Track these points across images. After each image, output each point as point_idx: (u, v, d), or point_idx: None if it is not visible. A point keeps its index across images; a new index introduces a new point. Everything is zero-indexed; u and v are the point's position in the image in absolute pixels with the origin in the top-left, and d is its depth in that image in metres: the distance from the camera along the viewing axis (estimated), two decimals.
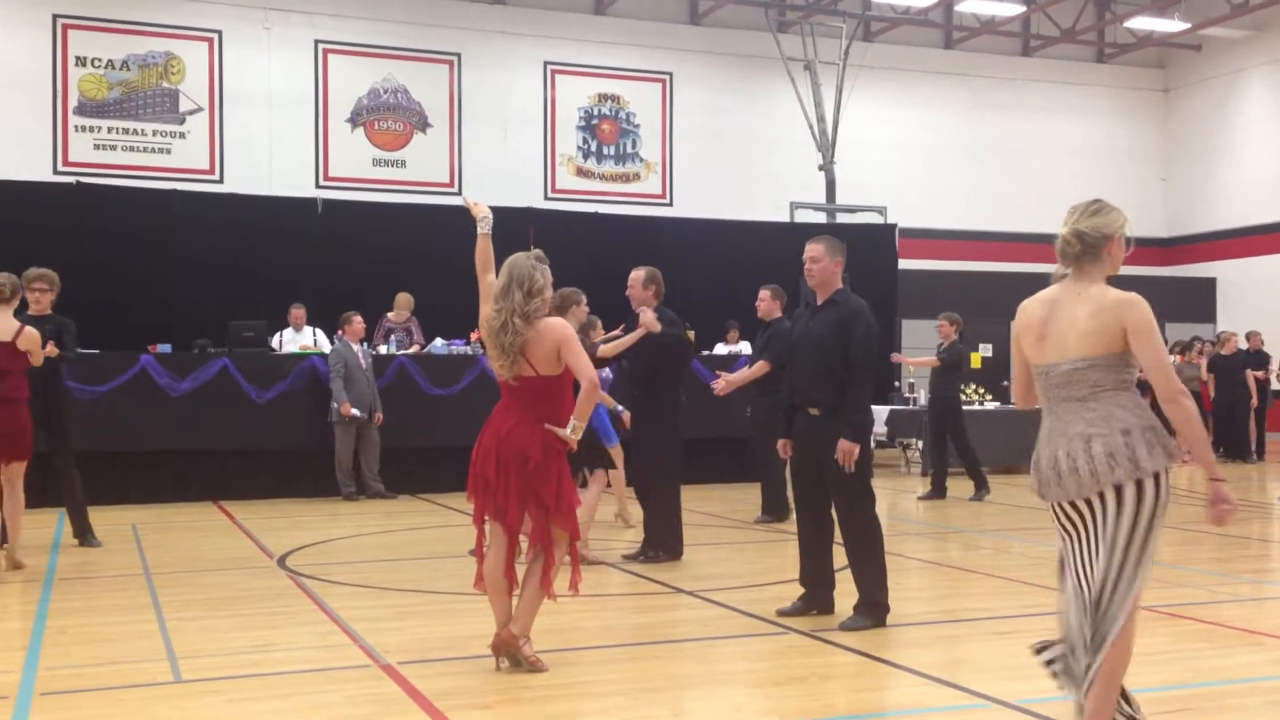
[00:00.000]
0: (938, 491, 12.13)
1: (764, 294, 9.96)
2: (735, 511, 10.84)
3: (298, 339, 13.14)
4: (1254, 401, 16.80)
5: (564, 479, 5.14)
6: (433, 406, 12.39)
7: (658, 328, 7.70)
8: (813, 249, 6.15)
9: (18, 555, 7.96)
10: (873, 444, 6.15)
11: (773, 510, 10.14)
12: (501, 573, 5.15)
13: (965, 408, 15.15)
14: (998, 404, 16.28)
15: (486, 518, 5.16)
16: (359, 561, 8.49)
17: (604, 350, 7.81)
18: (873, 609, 6.00)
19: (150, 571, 7.84)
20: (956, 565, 8.20)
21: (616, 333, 8.17)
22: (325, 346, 12.70)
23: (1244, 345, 17.62)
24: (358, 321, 12.12)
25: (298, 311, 13.27)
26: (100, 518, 9.33)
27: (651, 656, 5.56)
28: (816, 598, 6.25)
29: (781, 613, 6.21)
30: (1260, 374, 16.92)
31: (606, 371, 8.74)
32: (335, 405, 11.76)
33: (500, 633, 5.12)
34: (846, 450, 5.89)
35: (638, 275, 8.01)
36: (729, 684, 5.15)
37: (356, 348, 12.06)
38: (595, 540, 8.11)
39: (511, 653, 5.11)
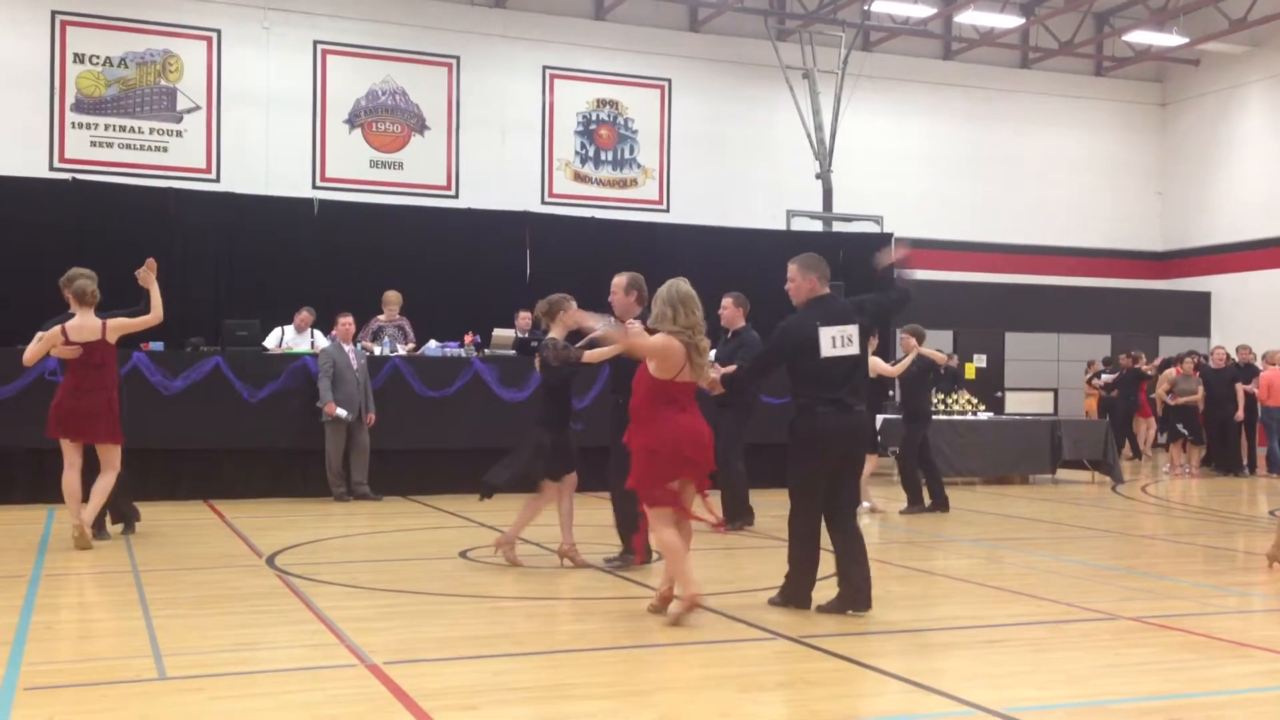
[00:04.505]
0: (916, 503, 11.59)
1: (726, 302, 9.95)
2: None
3: (297, 341, 13.12)
4: (1239, 415, 16.82)
5: None
6: (426, 408, 12.38)
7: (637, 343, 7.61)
8: (789, 269, 6.64)
9: (88, 532, 8.45)
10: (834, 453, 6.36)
11: (738, 515, 9.96)
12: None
13: (960, 418, 15.20)
14: (990, 414, 16.28)
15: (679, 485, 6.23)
16: (348, 561, 8.48)
17: (588, 356, 7.72)
18: (787, 590, 6.55)
19: (138, 569, 7.82)
20: (945, 573, 8.20)
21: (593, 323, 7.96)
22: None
23: (1235, 359, 17.67)
24: (344, 322, 12.09)
25: (305, 315, 13.23)
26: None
27: (638, 660, 5.55)
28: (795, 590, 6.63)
29: (772, 602, 6.57)
30: (1249, 387, 16.96)
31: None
32: (319, 405, 11.76)
33: (664, 590, 6.37)
34: (714, 376, 6.57)
35: (619, 281, 7.82)
36: (714, 688, 5.13)
37: (348, 348, 12.04)
38: (595, 544, 8.10)
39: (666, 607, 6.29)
